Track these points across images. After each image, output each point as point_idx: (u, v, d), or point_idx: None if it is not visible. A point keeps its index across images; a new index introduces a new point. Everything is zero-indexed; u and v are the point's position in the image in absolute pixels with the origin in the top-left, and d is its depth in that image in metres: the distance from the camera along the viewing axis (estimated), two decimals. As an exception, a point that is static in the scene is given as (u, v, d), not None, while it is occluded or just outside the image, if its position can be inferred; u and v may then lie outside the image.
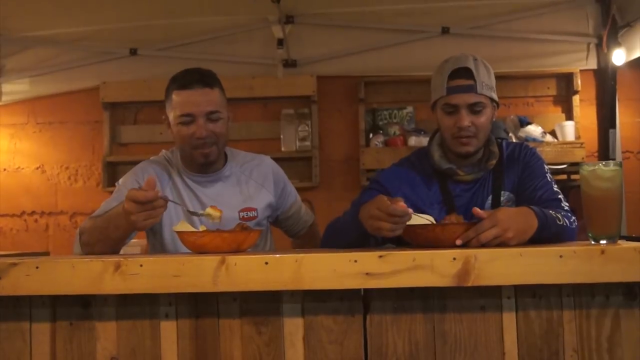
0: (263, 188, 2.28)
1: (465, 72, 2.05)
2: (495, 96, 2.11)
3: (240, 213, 2.20)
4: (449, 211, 2.08)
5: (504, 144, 2.21)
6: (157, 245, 2.22)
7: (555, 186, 2.08)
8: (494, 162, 2.12)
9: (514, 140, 3.84)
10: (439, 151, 2.15)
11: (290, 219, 2.42)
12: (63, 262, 1.48)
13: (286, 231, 2.50)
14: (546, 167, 2.14)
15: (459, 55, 2.12)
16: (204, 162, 2.16)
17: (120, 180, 2.23)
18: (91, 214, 2.08)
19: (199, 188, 2.20)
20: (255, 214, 2.23)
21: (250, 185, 2.27)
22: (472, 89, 2.04)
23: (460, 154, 2.09)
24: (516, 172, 2.13)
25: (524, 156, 2.14)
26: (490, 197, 2.12)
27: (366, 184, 3.98)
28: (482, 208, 2.07)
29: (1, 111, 4.36)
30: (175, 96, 2.13)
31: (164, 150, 2.31)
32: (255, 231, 1.76)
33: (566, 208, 2.00)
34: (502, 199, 2.11)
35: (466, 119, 2.03)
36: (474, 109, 2.04)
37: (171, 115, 2.15)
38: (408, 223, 1.68)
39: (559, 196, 2.05)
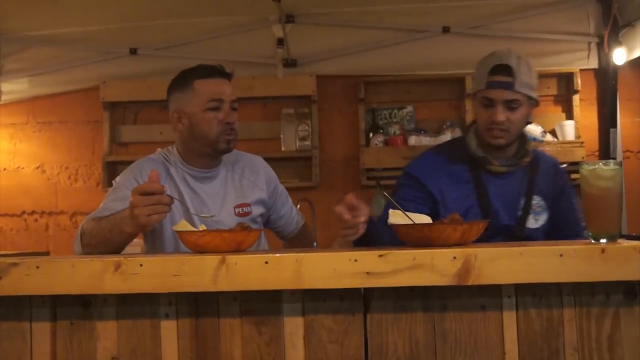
0: (256, 186, 2.31)
1: (506, 69, 2.11)
2: (533, 94, 2.16)
3: (236, 209, 2.23)
4: (481, 202, 2.15)
5: (538, 151, 2.32)
6: (157, 244, 2.22)
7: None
8: (527, 160, 2.21)
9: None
10: (476, 140, 2.22)
11: (283, 219, 2.44)
12: (63, 262, 1.48)
13: (279, 232, 2.50)
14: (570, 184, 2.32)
15: (504, 50, 2.20)
16: (225, 148, 2.20)
17: (118, 178, 2.23)
18: (90, 214, 2.08)
19: (196, 183, 2.21)
20: (250, 210, 2.25)
21: (244, 182, 2.29)
22: (510, 86, 2.10)
23: (492, 145, 2.17)
24: (552, 187, 2.24)
25: (561, 177, 2.29)
26: (523, 200, 2.20)
27: (366, 184, 4.04)
28: (516, 208, 2.18)
29: (1, 111, 4.36)
30: (200, 84, 2.17)
31: (159, 149, 2.32)
32: (256, 231, 1.76)
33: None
34: (533, 202, 2.20)
35: (501, 115, 2.11)
36: (510, 105, 2.12)
37: (192, 104, 2.17)
38: (400, 222, 1.68)
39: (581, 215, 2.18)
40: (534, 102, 2.19)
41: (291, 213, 2.46)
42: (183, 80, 2.21)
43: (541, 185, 2.22)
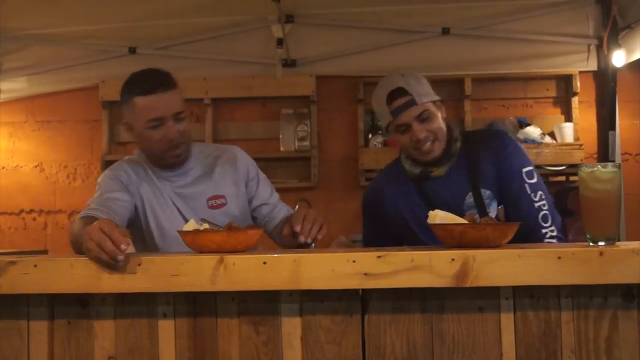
0: (228, 173, 2.27)
1: (399, 91, 2.12)
2: (435, 97, 2.16)
3: (209, 201, 2.22)
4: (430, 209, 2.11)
5: (477, 132, 2.34)
6: (146, 239, 2.22)
7: (537, 196, 2.10)
8: (458, 145, 2.18)
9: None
10: (409, 160, 2.24)
11: (268, 207, 2.32)
12: (61, 261, 1.49)
13: (267, 224, 2.33)
14: (525, 164, 2.14)
15: (387, 78, 2.19)
16: (175, 162, 2.17)
17: (99, 179, 2.23)
18: (81, 212, 2.08)
19: (168, 184, 2.21)
20: (224, 201, 2.23)
21: (216, 172, 2.26)
22: (413, 103, 2.11)
23: (429, 161, 2.17)
24: (493, 167, 2.14)
25: (499, 152, 2.14)
26: (470, 194, 2.15)
27: (365, 184, 4.04)
28: (462, 203, 2.13)
29: (0, 109, 4.35)
30: (140, 101, 2.10)
31: (136, 150, 2.31)
32: (257, 230, 1.73)
33: (549, 233, 2.07)
34: (484, 196, 2.14)
35: (420, 132, 2.11)
36: (422, 117, 2.11)
37: (135, 121, 2.13)
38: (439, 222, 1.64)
39: (542, 212, 2.09)
40: (439, 103, 2.18)
41: (278, 203, 2.36)
42: (126, 94, 2.15)
43: (486, 172, 2.15)
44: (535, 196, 2.10)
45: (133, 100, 2.11)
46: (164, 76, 2.14)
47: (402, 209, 2.25)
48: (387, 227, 2.31)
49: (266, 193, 2.34)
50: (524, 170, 2.13)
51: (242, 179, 2.29)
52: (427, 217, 2.02)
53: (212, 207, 2.21)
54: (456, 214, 2.02)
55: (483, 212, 2.12)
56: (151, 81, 2.11)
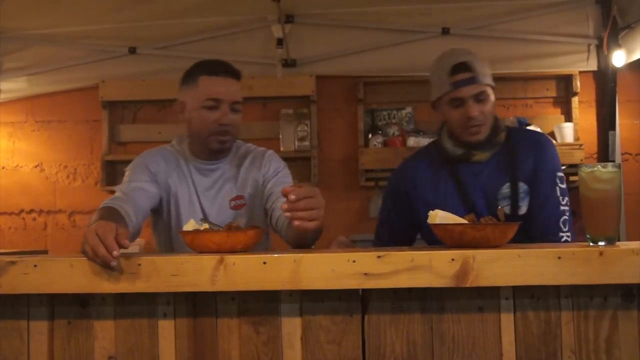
0: (251, 174, 2.25)
1: (465, 66, 2.12)
2: (492, 82, 2.20)
3: (232, 202, 2.22)
4: (464, 200, 2.13)
5: (521, 129, 2.30)
6: (163, 232, 2.23)
7: (564, 200, 2.14)
8: (503, 135, 2.20)
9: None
10: (450, 141, 2.22)
11: (275, 195, 2.19)
12: (61, 261, 1.49)
13: (273, 213, 2.22)
14: (559, 169, 2.19)
15: (454, 50, 2.21)
16: (219, 148, 2.18)
17: (131, 164, 2.22)
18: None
19: (199, 178, 2.21)
20: (244, 202, 2.23)
21: (241, 173, 2.25)
22: (475, 80, 2.12)
23: (472, 143, 2.16)
24: (532, 163, 2.16)
25: (541, 150, 2.18)
26: (507, 185, 2.15)
27: (365, 184, 4.05)
28: (497, 193, 2.13)
29: (0, 109, 4.35)
30: (203, 80, 2.16)
31: (176, 138, 2.32)
32: (257, 230, 1.72)
33: (564, 237, 2.10)
34: (520, 190, 2.15)
35: (475, 110, 2.11)
36: (479, 98, 2.13)
37: (193, 99, 2.17)
38: (439, 222, 1.64)
39: (564, 217, 2.12)
40: (492, 90, 2.20)
41: None
42: (191, 73, 2.21)
43: (524, 166, 2.16)
44: (562, 200, 2.14)
45: (197, 80, 2.17)
46: (231, 66, 2.21)
47: (431, 194, 2.20)
48: (408, 212, 2.27)
49: (277, 187, 2.20)
50: (558, 174, 2.17)
51: (262, 179, 2.27)
52: (456, 203, 2.04)
53: (234, 207, 2.21)
54: (490, 202, 2.12)
55: (515, 205, 2.14)
56: (219, 65, 2.20)
